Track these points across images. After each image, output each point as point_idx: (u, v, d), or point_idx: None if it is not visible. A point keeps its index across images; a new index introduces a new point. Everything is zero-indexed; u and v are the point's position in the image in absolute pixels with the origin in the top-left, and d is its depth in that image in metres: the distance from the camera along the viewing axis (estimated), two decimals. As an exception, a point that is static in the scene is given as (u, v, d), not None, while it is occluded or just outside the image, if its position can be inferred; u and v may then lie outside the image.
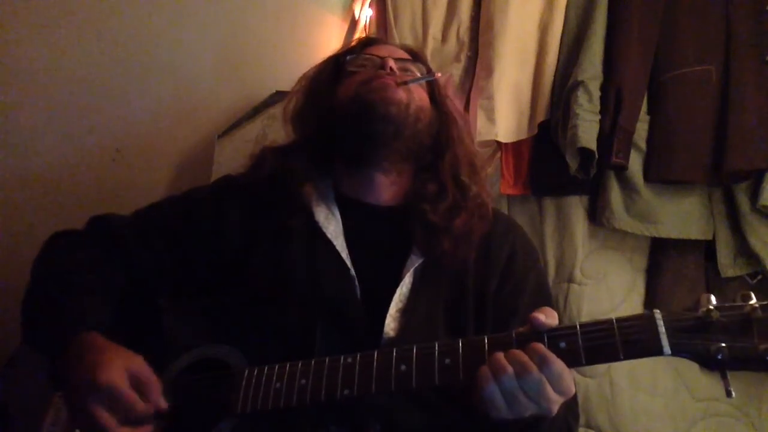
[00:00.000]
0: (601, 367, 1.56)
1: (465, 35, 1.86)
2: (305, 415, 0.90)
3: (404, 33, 1.92)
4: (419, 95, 1.13)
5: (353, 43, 1.28)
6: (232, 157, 1.77)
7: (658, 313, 0.77)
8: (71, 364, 0.88)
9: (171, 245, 1.10)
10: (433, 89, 1.19)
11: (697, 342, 0.74)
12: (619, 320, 0.78)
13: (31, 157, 1.60)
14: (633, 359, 0.77)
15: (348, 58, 1.19)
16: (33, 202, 1.62)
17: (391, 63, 1.14)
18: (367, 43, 1.25)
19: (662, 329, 0.75)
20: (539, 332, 0.81)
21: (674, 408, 1.52)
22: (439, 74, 1.17)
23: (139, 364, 0.89)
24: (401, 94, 1.09)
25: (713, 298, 0.75)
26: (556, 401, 0.79)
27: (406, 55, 1.21)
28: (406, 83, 1.11)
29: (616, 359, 0.77)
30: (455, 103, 1.24)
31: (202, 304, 1.10)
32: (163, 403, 0.89)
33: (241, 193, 1.13)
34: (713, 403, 1.51)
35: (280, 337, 0.95)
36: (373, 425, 0.92)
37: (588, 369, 1.58)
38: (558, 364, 0.78)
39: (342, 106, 1.12)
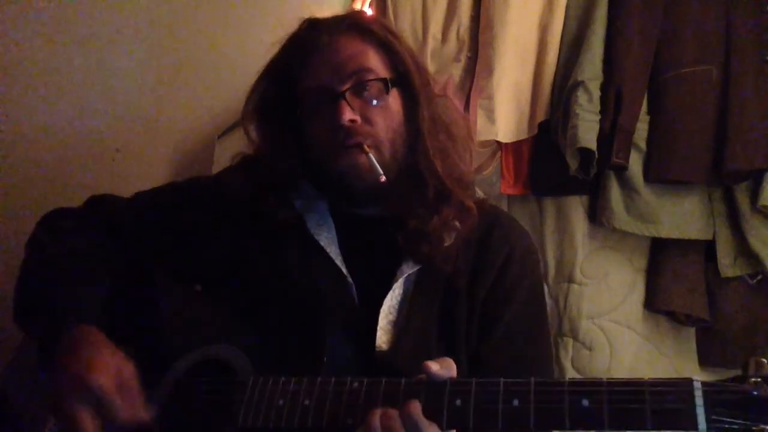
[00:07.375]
0: (601, 367, 1.56)
1: (465, 35, 1.86)
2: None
3: (404, 33, 1.92)
4: (386, 117, 1.01)
5: (292, 42, 1.10)
6: (231, 158, 1.77)
7: (697, 383, 0.67)
8: (63, 355, 0.86)
9: (168, 233, 1.09)
10: (397, 66, 1.04)
11: (738, 421, 0.64)
12: (653, 383, 0.68)
13: (31, 157, 1.60)
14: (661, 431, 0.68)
15: (300, 86, 1.04)
16: (33, 202, 1.61)
17: (348, 115, 0.97)
18: (309, 46, 1.05)
19: (700, 401, 0.66)
20: (439, 383, 0.76)
21: (674, 408, 1.51)
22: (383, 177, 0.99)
23: (129, 371, 0.86)
24: (372, 156, 0.99)
25: (766, 363, 0.67)
26: None
27: (355, 62, 1.02)
28: (367, 154, 0.99)
29: (643, 428, 0.67)
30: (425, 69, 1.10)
31: (199, 299, 1.09)
32: (146, 416, 0.86)
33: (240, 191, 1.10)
34: (713, 403, 1.51)
35: (282, 339, 0.94)
36: None
37: (587, 369, 1.58)
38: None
39: (315, 155, 1.05)
